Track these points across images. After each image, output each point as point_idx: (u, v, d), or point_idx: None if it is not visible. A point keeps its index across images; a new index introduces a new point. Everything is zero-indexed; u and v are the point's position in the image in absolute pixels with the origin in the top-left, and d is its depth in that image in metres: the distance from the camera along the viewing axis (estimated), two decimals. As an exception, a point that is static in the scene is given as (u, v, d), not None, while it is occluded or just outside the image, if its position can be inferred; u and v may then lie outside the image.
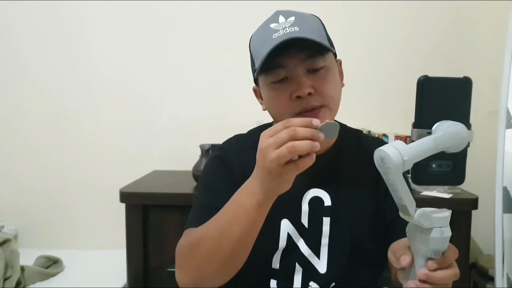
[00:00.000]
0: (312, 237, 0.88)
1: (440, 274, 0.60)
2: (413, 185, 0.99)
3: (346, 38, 2.07)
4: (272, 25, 0.82)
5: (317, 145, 0.65)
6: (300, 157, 0.66)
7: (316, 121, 0.66)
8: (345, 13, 2.09)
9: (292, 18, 0.82)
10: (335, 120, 0.96)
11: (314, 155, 0.67)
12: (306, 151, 0.64)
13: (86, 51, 2.14)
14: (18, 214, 2.14)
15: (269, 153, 0.66)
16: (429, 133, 0.59)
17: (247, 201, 0.73)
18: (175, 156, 2.13)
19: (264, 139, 0.67)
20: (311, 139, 0.65)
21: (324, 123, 0.67)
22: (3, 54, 2.14)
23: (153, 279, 1.67)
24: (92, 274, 1.78)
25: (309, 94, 0.81)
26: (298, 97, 0.81)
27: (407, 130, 1.78)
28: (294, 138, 0.64)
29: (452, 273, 0.61)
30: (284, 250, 0.88)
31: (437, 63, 2.07)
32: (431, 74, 0.60)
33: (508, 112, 1.44)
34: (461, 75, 0.60)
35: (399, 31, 2.10)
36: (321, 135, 0.66)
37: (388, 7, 2.08)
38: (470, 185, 1.53)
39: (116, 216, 1.76)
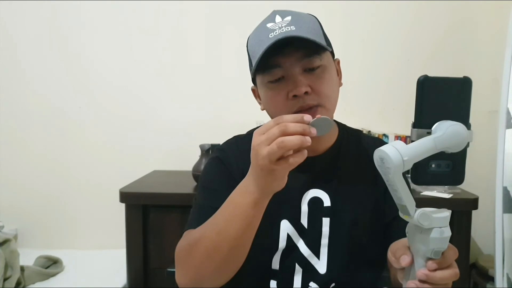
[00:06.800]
0: (311, 237, 0.88)
1: (440, 274, 0.59)
2: (413, 185, 1.00)
3: (346, 38, 2.07)
4: (269, 25, 0.82)
5: (308, 140, 0.64)
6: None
7: (307, 117, 0.66)
8: (345, 13, 2.09)
9: (289, 18, 0.82)
10: (335, 120, 0.96)
11: (305, 151, 0.67)
12: (296, 146, 0.64)
13: (85, 53, 2.13)
14: (18, 214, 2.14)
15: (261, 150, 0.66)
16: (429, 133, 0.59)
17: (243, 200, 0.73)
18: (175, 156, 2.13)
19: (257, 136, 0.68)
20: (303, 134, 0.65)
21: (316, 118, 0.67)
22: (3, 56, 2.14)
23: (153, 279, 1.67)
24: (92, 274, 1.77)
25: (306, 93, 0.81)
26: (295, 96, 0.81)
27: (407, 130, 1.78)
28: (285, 133, 0.64)
29: (452, 273, 0.61)
30: (284, 250, 0.88)
31: (437, 63, 2.07)
32: (431, 74, 0.60)
33: (508, 112, 1.44)
34: (461, 75, 0.60)
35: (399, 31, 2.10)
36: (313, 130, 0.66)
37: (388, 7, 2.08)
38: (470, 185, 1.53)
39: (116, 216, 1.76)
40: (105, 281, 1.69)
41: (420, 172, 0.61)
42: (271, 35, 0.80)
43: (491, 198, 1.49)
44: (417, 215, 0.59)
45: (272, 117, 0.89)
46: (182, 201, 1.58)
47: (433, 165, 0.61)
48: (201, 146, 1.84)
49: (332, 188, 0.90)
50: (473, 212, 1.65)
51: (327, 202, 0.89)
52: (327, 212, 0.89)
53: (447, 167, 0.61)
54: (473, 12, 2.05)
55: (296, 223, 0.89)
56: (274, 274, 0.88)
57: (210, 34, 2.12)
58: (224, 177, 0.90)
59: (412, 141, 0.59)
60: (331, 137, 0.94)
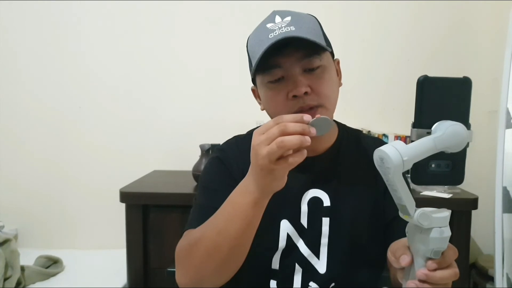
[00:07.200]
0: (311, 237, 0.88)
1: (439, 274, 0.59)
2: (413, 185, 1.00)
3: (346, 38, 2.07)
4: (269, 25, 0.82)
5: (307, 140, 0.65)
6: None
7: (307, 117, 0.67)
8: (345, 13, 2.09)
9: (288, 18, 0.82)
10: (335, 120, 0.96)
11: (305, 151, 0.67)
12: (296, 146, 0.65)
13: (85, 53, 2.13)
14: (18, 214, 2.14)
15: (260, 149, 0.66)
16: (429, 133, 0.59)
17: (243, 200, 0.73)
18: (175, 156, 2.14)
19: (257, 136, 0.68)
20: (302, 133, 0.65)
21: (315, 118, 0.67)
22: (2, 57, 2.13)
23: (153, 279, 1.67)
24: (92, 274, 1.77)
25: (306, 93, 0.81)
26: (295, 96, 0.81)
27: (407, 130, 1.78)
28: (284, 133, 0.64)
29: (451, 273, 0.61)
30: (284, 250, 0.88)
31: (437, 63, 2.07)
32: (431, 74, 0.60)
33: (508, 112, 1.44)
34: (461, 75, 0.60)
35: (399, 31, 2.10)
36: (313, 130, 0.66)
37: (388, 7, 2.08)
38: (470, 185, 1.54)
39: (116, 216, 1.76)
40: (105, 281, 1.69)
41: (420, 172, 0.61)
42: (271, 36, 0.80)
43: (491, 198, 1.49)
44: (417, 215, 0.59)
45: (272, 117, 0.89)
46: (182, 201, 1.58)
47: (433, 165, 0.61)
48: (201, 146, 1.84)
49: (332, 188, 0.90)
50: (473, 212, 1.64)
51: (326, 202, 0.89)
52: (327, 212, 0.89)
53: (447, 167, 0.61)
54: (473, 12, 2.05)
55: (296, 223, 0.89)
56: (274, 274, 0.89)
57: (210, 34, 2.12)
58: (224, 177, 0.91)
59: (412, 141, 0.59)
60: (331, 137, 0.94)
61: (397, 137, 1.90)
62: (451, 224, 0.60)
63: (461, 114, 0.60)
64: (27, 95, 2.15)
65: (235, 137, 1.00)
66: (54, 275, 1.76)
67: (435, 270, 0.59)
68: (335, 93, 0.88)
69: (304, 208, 0.89)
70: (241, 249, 0.77)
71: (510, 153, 1.43)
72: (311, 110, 0.82)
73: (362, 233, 0.89)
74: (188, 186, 1.75)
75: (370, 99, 2.12)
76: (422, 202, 0.69)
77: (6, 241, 1.68)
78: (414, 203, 0.60)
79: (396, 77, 2.09)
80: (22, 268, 1.68)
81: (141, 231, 1.66)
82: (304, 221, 0.89)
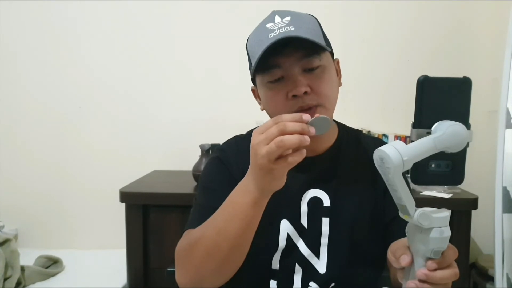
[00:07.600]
0: (311, 237, 0.88)
1: (439, 274, 0.59)
2: (413, 185, 1.00)
3: (346, 38, 2.07)
4: (268, 25, 0.82)
5: (306, 139, 0.65)
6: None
7: (306, 116, 0.67)
8: (345, 13, 2.09)
9: (288, 18, 0.82)
10: (335, 120, 0.96)
11: (304, 150, 0.67)
12: (295, 145, 0.65)
13: (85, 54, 2.13)
14: (18, 214, 2.14)
15: (260, 149, 0.66)
16: (429, 133, 0.59)
17: (242, 200, 0.73)
18: (175, 156, 2.14)
19: (256, 136, 0.68)
20: (302, 133, 0.65)
21: (314, 117, 0.67)
22: (2, 57, 2.13)
23: (153, 279, 1.67)
24: (92, 274, 1.78)
25: (305, 93, 0.81)
26: (294, 96, 0.81)
27: (407, 130, 1.78)
28: (283, 133, 0.65)
29: (451, 273, 0.61)
30: (284, 250, 0.88)
31: (437, 63, 2.07)
32: (431, 74, 0.60)
33: (508, 112, 1.44)
34: (461, 75, 0.60)
35: (399, 31, 2.10)
36: (312, 129, 0.66)
37: (388, 7, 2.08)
38: (470, 185, 1.53)
39: (116, 216, 1.76)
40: (105, 281, 1.69)
41: (420, 172, 0.61)
42: (271, 35, 0.80)
43: (491, 198, 1.49)
44: (417, 215, 0.59)
45: (271, 117, 0.89)
46: (182, 201, 1.58)
47: (433, 165, 0.61)
48: (201, 146, 1.84)
49: (332, 188, 0.90)
50: (473, 212, 1.64)
51: (326, 202, 0.89)
52: (326, 212, 0.89)
53: (447, 167, 0.61)
54: (473, 12, 2.05)
55: (295, 223, 0.89)
56: (274, 274, 0.89)
57: (210, 34, 2.12)
58: (224, 177, 0.91)
59: (412, 141, 0.59)
60: (331, 137, 0.94)
61: (397, 137, 1.90)
62: (451, 224, 0.60)
63: (461, 114, 0.60)
64: (27, 95, 2.15)
65: (235, 137, 1.00)
66: (54, 275, 1.76)
67: (435, 270, 0.59)
68: (335, 93, 0.88)
69: (304, 208, 0.89)
70: (241, 249, 0.77)
71: (510, 153, 1.43)
72: (310, 109, 0.82)
73: (362, 233, 0.89)
74: (188, 186, 1.75)
75: (370, 99, 2.12)
76: (422, 202, 0.69)
77: (6, 241, 1.68)
78: (414, 203, 0.60)
79: (396, 77, 2.09)
80: (22, 268, 1.68)
81: (141, 231, 1.66)
82: (304, 221, 0.89)
